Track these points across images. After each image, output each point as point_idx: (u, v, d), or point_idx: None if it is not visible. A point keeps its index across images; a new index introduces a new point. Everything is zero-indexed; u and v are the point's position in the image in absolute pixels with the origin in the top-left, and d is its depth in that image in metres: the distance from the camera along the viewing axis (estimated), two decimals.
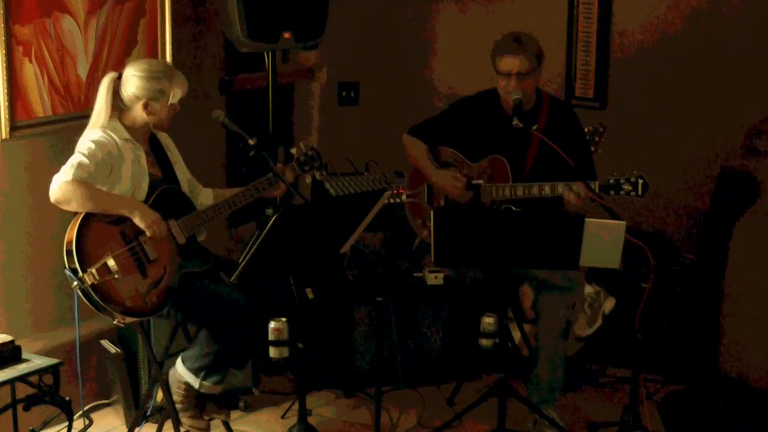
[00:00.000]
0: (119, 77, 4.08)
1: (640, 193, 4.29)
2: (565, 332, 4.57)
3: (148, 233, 3.95)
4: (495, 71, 4.57)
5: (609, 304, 5.15)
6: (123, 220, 3.95)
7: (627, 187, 4.30)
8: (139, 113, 4.07)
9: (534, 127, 4.43)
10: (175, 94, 4.08)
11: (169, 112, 4.10)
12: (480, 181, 4.59)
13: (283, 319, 4.25)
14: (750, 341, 4.86)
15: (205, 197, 4.33)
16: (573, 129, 4.61)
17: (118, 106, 4.08)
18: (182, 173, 4.29)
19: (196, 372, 4.16)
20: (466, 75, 4.87)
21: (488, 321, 4.41)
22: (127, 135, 4.07)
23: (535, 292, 4.64)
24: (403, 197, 4.89)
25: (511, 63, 4.51)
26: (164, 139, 4.29)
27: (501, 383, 4.28)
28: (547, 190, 4.42)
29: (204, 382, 4.17)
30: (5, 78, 4.36)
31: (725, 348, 4.95)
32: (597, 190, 4.31)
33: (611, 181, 4.31)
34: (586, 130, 4.89)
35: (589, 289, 5.12)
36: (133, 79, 4.04)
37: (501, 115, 4.59)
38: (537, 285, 4.60)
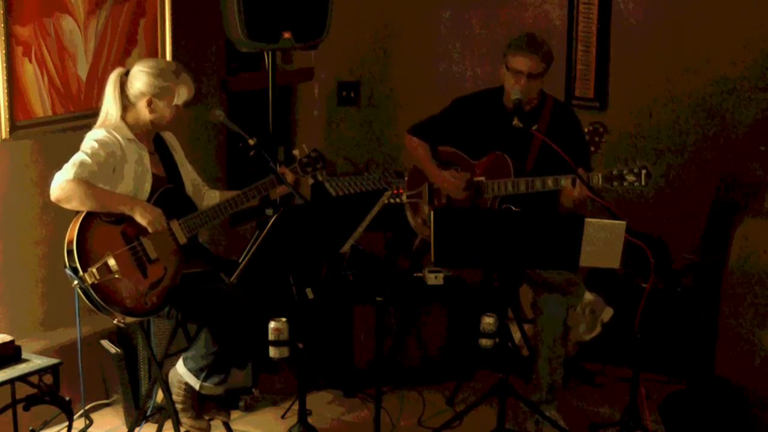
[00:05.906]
0: (126, 73, 4.08)
1: (643, 183, 4.31)
2: (563, 335, 4.57)
3: (150, 229, 3.94)
4: (505, 67, 4.58)
5: (608, 314, 5.16)
6: (124, 220, 3.95)
7: (630, 177, 4.32)
8: (142, 110, 4.06)
9: (534, 127, 4.43)
10: (181, 95, 4.07)
11: (172, 112, 4.10)
12: (481, 178, 4.59)
13: (283, 319, 4.24)
14: (749, 341, 4.85)
15: (210, 199, 4.32)
16: (574, 132, 4.61)
17: (122, 104, 4.08)
18: (187, 174, 4.28)
19: (197, 373, 4.16)
20: (466, 75, 4.87)
21: (488, 321, 4.40)
22: (131, 135, 4.06)
23: (534, 293, 4.64)
24: (404, 197, 4.89)
25: (524, 62, 4.52)
26: (170, 139, 4.29)
27: (501, 383, 4.28)
28: (550, 183, 4.43)
29: (205, 384, 4.17)
30: (5, 78, 4.36)
31: (725, 348, 4.94)
32: (600, 182, 4.33)
33: (614, 172, 4.33)
34: (585, 130, 4.89)
35: (589, 297, 5.12)
36: (140, 75, 4.04)
37: (503, 113, 4.59)
38: (536, 286, 4.60)
